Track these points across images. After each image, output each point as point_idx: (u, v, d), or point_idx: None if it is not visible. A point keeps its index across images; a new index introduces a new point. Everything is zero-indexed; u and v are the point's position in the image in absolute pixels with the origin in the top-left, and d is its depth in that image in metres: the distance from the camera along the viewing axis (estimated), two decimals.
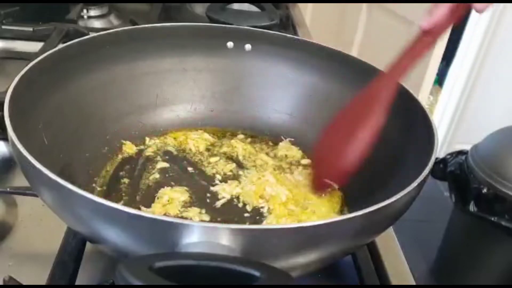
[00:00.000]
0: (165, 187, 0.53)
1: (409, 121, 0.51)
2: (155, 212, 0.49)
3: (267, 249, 0.33)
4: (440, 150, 1.96)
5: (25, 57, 0.76)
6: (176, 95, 0.64)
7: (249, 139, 0.63)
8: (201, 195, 0.53)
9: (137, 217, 0.31)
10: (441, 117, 2.03)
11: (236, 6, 0.99)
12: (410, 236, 1.28)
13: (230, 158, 0.59)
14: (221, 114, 0.65)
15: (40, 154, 0.37)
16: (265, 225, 0.48)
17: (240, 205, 0.52)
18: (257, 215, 0.51)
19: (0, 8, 0.89)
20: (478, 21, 1.76)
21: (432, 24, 0.47)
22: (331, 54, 0.61)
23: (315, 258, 0.37)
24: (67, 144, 0.50)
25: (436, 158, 0.46)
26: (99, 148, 0.56)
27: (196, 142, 0.61)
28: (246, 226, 0.42)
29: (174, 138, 0.61)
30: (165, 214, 0.48)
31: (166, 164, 0.57)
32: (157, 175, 0.55)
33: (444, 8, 0.46)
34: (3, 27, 0.86)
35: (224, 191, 0.53)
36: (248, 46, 0.64)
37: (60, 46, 0.53)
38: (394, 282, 0.47)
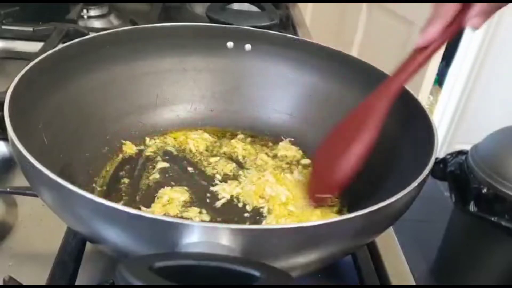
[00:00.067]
0: (165, 187, 0.53)
1: (409, 121, 0.51)
2: (155, 212, 0.49)
3: (267, 249, 0.33)
4: (440, 150, 1.96)
5: (25, 57, 0.76)
6: (176, 95, 0.64)
7: (249, 139, 0.63)
8: (201, 195, 0.53)
9: (137, 217, 0.31)
10: (441, 117, 2.03)
11: (236, 6, 0.99)
12: (410, 236, 1.29)
13: (230, 158, 0.59)
14: (221, 114, 0.65)
15: (40, 154, 0.37)
16: (265, 225, 0.48)
17: (240, 205, 0.52)
18: (257, 215, 0.51)
19: (0, 8, 0.89)
20: None
21: (426, 41, 0.48)
22: (331, 54, 0.61)
23: (315, 258, 0.37)
24: (67, 144, 0.50)
25: (436, 158, 0.46)
26: (99, 148, 0.56)
27: (196, 142, 0.61)
28: (246, 226, 0.42)
29: (174, 138, 0.61)
30: (165, 214, 0.48)
31: (166, 164, 0.57)
32: (157, 175, 0.55)
33: (438, 25, 0.47)
34: (3, 27, 0.86)
35: (224, 191, 0.53)
36: (248, 46, 0.64)
37: (60, 46, 0.53)
38: (394, 282, 0.47)
